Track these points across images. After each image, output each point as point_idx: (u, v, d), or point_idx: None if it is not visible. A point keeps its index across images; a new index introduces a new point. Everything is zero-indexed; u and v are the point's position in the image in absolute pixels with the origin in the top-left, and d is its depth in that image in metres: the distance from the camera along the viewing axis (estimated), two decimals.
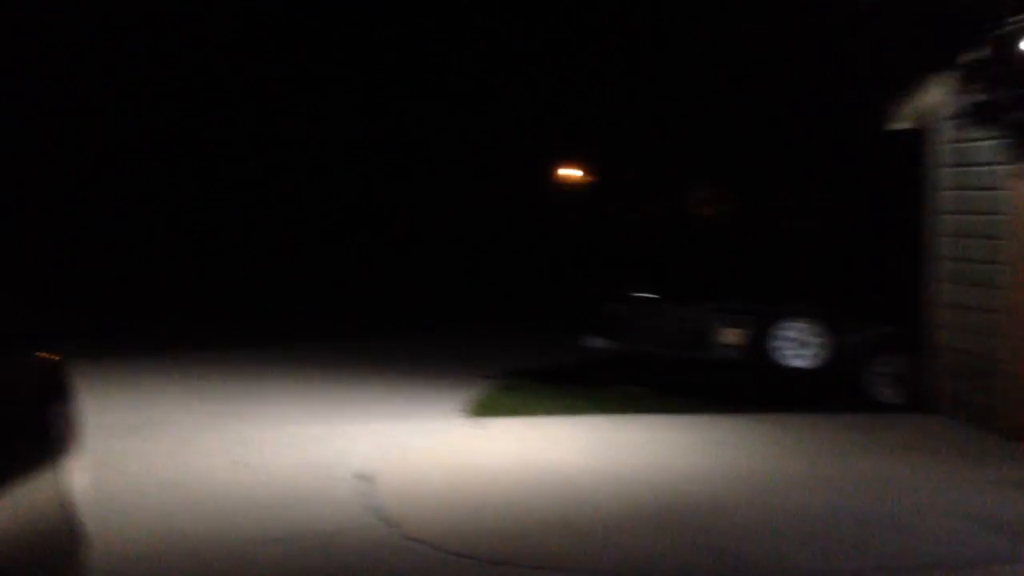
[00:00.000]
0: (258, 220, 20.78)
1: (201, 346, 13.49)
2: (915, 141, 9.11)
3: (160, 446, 7.40)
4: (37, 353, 2.84)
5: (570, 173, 21.75)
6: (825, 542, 5.36)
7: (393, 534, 5.37)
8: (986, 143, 8.25)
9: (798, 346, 9.58)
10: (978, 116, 7.76)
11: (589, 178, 21.36)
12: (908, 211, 9.18)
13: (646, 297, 10.97)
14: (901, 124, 9.18)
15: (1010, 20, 7.62)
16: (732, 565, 4.99)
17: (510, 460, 7.21)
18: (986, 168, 8.22)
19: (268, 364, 12.15)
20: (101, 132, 19.39)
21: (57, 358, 2.89)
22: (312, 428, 8.18)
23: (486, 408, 9.34)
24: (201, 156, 20.50)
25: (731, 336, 9.92)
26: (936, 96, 8.77)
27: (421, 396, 10.08)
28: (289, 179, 21.31)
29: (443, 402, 9.67)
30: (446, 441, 7.91)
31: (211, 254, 19.59)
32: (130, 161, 19.72)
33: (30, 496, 2.46)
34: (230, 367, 11.73)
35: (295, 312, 17.23)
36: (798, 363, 9.57)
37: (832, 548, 5.27)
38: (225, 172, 20.72)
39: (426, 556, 5.05)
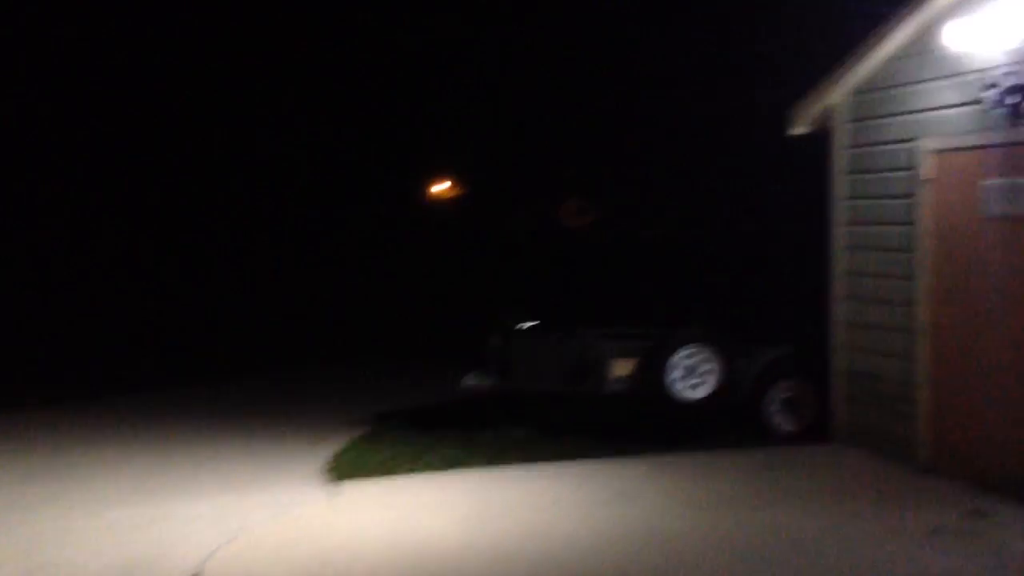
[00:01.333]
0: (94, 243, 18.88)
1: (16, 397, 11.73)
2: (819, 146, 8.39)
3: None
4: None
5: (442, 189, 20.62)
6: None
7: None
8: (888, 147, 7.58)
9: (693, 375, 8.73)
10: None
11: (461, 192, 20.28)
12: (810, 223, 8.46)
13: (527, 327, 9.97)
14: (802, 128, 8.45)
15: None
16: None
17: (375, 539, 6.05)
18: (892, 174, 7.53)
19: (96, 419, 10.60)
20: None
21: None
22: (139, 510, 6.83)
23: (350, 467, 8.14)
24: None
25: (620, 367, 8.99)
26: (836, 98, 8.09)
27: (277, 454, 8.80)
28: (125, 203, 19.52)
29: (301, 461, 8.42)
30: (300, 517, 6.68)
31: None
32: None
33: None
34: (44, 428, 10.13)
35: (137, 353, 15.50)
36: (694, 393, 8.71)
37: None
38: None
39: None
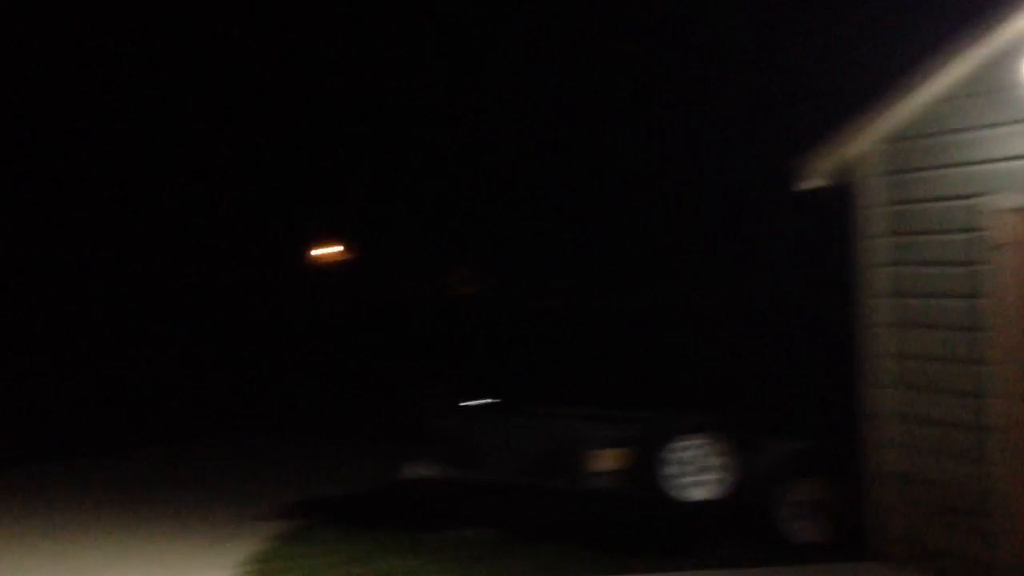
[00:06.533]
0: None
1: None
2: (839, 203, 7.13)
3: None
4: None
5: (330, 252, 19.09)
6: None
7: None
8: (942, 205, 6.35)
9: (696, 470, 7.24)
10: None
11: (351, 256, 18.75)
12: (836, 291, 7.16)
13: (484, 404, 8.39)
14: (817, 181, 7.16)
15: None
16: None
17: None
18: (948, 237, 6.29)
19: None
20: None
21: None
22: None
23: None
24: None
25: (604, 458, 7.43)
26: (865, 146, 6.85)
27: (173, 558, 6.92)
28: None
29: (203, 568, 6.58)
30: None
31: None
32: None
33: None
34: None
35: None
36: (694, 493, 7.21)
37: None
38: None
39: None
